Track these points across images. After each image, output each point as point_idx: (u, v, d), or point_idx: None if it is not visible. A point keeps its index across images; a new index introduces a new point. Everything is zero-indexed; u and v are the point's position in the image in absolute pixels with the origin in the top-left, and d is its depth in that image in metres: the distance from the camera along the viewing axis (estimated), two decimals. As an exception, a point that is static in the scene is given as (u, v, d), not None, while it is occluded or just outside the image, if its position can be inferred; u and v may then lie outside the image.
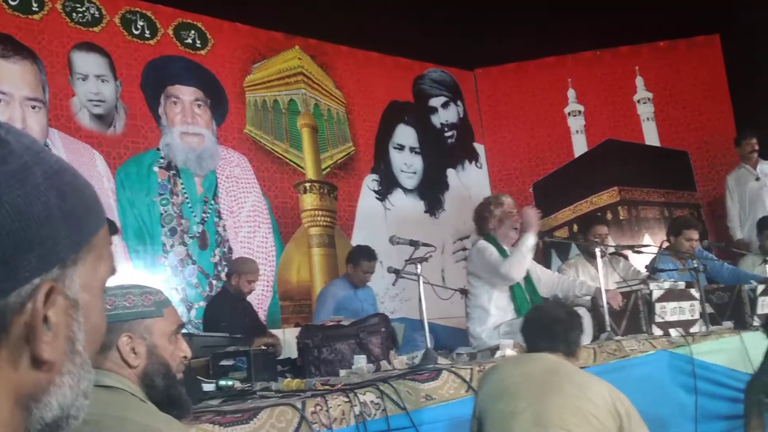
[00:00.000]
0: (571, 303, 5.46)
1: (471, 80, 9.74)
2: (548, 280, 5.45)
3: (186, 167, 7.07)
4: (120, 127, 6.76)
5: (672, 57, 9.45)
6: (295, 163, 7.92)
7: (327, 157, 8.22)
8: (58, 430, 0.79)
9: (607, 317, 5.00)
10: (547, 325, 3.04)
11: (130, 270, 6.40)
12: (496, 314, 5.10)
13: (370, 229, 8.11)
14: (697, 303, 5.40)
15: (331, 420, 3.00)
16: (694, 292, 5.44)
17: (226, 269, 6.91)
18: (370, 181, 8.55)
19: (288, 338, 6.00)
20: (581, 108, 9.49)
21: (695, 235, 6.31)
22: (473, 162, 9.54)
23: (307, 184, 7.96)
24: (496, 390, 2.96)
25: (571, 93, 9.50)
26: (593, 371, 4.04)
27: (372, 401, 3.23)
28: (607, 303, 5.05)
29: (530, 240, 5.02)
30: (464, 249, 8.62)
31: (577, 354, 3.08)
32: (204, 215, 7.11)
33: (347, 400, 3.13)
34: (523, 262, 5.00)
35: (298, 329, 4.98)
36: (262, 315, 7.13)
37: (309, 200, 7.92)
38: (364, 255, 6.44)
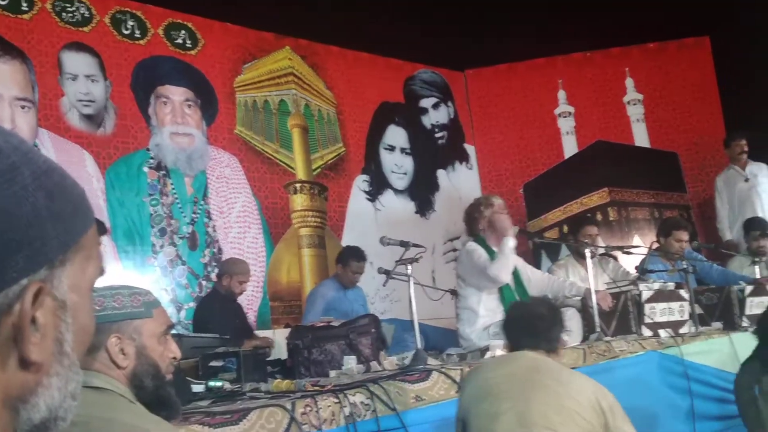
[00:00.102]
0: (561, 303, 5.49)
1: (461, 81, 9.75)
2: (538, 281, 5.46)
3: (176, 167, 7.06)
4: (110, 127, 6.74)
5: (662, 59, 9.47)
6: (285, 163, 7.91)
7: (317, 158, 8.22)
8: (46, 431, 0.79)
9: (596, 318, 5.02)
10: (529, 322, 3.04)
11: (120, 270, 6.38)
12: (485, 315, 5.12)
13: (360, 230, 8.10)
14: (686, 304, 5.42)
15: (321, 421, 3.00)
16: (683, 293, 5.46)
17: (216, 270, 6.90)
18: (361, 182, 8.55)
19: (278, 339, 5.98)
20: (571, 109, 9.51)
21: (685, 236, 6.33)
22: (464, 163, 9.55)
23: (298, 185, 7.95)
24: (479, 391, 2.95)
25: (561, 94, 9.52)
26: (583, 372, 4.04)
27: (362, 402, 3.23)
28: (597, 304, 5.06)
29: (510, 242, 5.13)
30: (454, 250, 8.63)
31: (559, 350, 3.09)
32: (194, 216, 7.10)
33: (337, 401, 3.13)
34: (508, 264, 5.09)
35: (288, 330, 4.97)
36: (252, 315, 7.12)
37: (299, 201, 7.92)
38: (353, 255, 6.44)
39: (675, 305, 5.35)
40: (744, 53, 8.43)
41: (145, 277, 6.57)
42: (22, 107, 6.19)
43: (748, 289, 5.80)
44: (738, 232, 7.70)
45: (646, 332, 5.10)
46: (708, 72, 9.29)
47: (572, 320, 5.22)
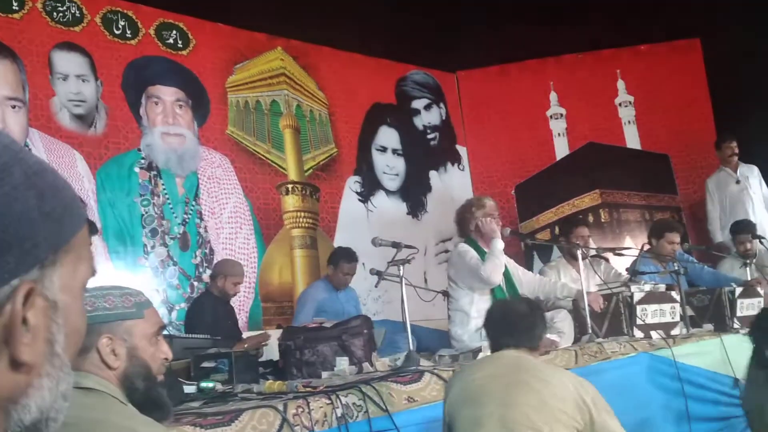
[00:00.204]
0: (552, 304, 5.50)
1: (453, 82, 9.76)
2: (529, 283, 5.47)
3: (167, 168, 7.04)
4: (101, 128, 6.72)
5: (653, 61, 9.50)
6: (277, 164, 7.90)
7: (309, 159, 8.21)
8: None
9: (588, 319, 5.02)
10: (510, 321, 3.04)
11: (111, 271, 6.36)
12: (477, 317, 5.11)
13: (352, 231, 8.10)
14: (677, 306, 5.43)
15: (312, 422, 3.00)
16: (674, 294, 5.47)
17: (207, 271, 6.89)
18: (353, 183, 8.55)
19: (270, 340, 5.97)
20: (563, 111, 9.52)
21: (677, 238, 6.34)
22: (455, 164, 9.56)
23: (289, 186, 7.94)
24: (463, 394, 2.95)
25: (552, 96, 9.54)
26: (575, 373, 4.05)
27: (354, 403, 3.23)
28: (589, 305, 5.08)
29: (499, 244, 5.16)
30: (446, 251, 8.63)
31: (540, 347, 3.10)
32: (185, 216, 7.08)
33: (329, 402, 3.13)
34: (499, 266, 5.11)
35: (280, 331, 4.96)
36: (243, 316, 7.11)
37: (291, 202, 7.91)
38: (344, 256, 6.43)
39: (666, 307, 5.37)
40: (735, 55, 8.46)
41: (137, 277, 6.54)
42: (13, 107, 6.17)
43: (739, 290, 5.82)
44: (729, 234, 7.72)
45: (638, 334, 5.12)
46: (699, 74, 9.31)
47: (564, 322, 5.23)
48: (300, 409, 3.00)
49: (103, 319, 1.86)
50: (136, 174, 6.85)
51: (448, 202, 8.66)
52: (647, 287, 5.36)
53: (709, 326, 5.62)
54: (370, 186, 8.70)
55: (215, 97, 7.54)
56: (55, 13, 6.56)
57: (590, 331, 4.99)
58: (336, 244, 7.81)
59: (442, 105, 9.62)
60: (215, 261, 6.94)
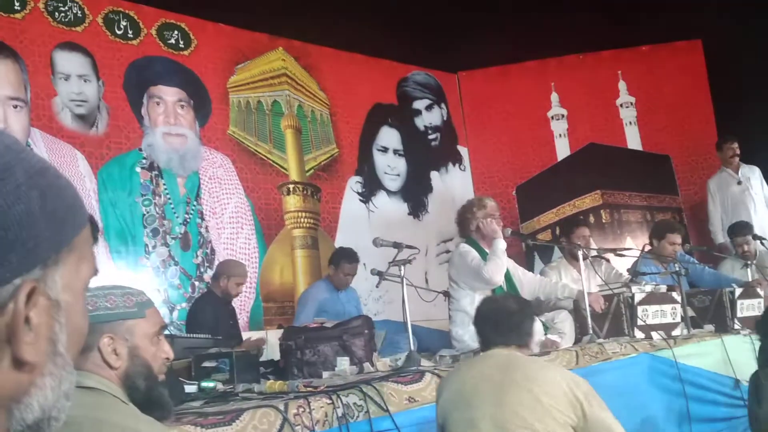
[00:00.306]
0: (554, 305, 5.50)
1: (455, 83, 9.76)
2: (530, 283, 5.47)
3: (168, 168, 7.05)
4: (102, 128, 6.72)
5: (654, 62, 9.50)
6: (278, 164, 7.90)
7: (310, 159, 8.21)
8: (40, 431, 0.79)
9: (589, 320, 5.02)
10: (499, 318, 3.03)
11: (112, 271, 6.37)
12: (478, 317, 5.11)
13: (353, 231, 8.10)
14: (678, 306, 5.43)
15: (313, 422, 3.00)
16: (675, 295, 5.47)
17: (209, 270, 6.90)
18: (354, 183, 8.55)
19: (271, 340, 5.97)
20: (564, 112, 9.52)
21: (678, 239, 6.34)
22: (457, 164, 9.56)
23: (291, 186, 7.95)
24: (455, 396, 2.94)
25: (554, 97, 9.53)
26: (575, 374, 4.05)
27: (355, 403, 3.23)
28: (590, 306, 5.07)
29: (500, 244, 5.17)
30: (447, 251, 8.63)
31: (529, 343, 3.09)
32: (186, 216, 7.08)
33: (330, 402, 3.13)
34: (501, 266, 5.11)
35: (281, 331, 4.96)
36: (244, 316, 7.11)
37: (292, 202, 7.91)
38: (345, 257, 6.43)
39: (667, 308, 5.36)
40: (736, 57, 8.46)
41: (138, 277, 6.55)
42: (15, 107, 6.17)
43: (739, 291, 5.82)
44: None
45: (639, 334, 5.11)
46: (700, 75, 9.31)
47: (565, 322, 5.24)
48: (301, 409, 3.00)
49: (104, 318, 1.86)
50: (138, 174, 6.85)
51: (449, 202, 8.67)
52: (648, 288, 5.35)
53: (710, 327, 5.62)
54: (371, 186, 8.70)
55: (217, 98, 7.55)
56: (56, 13, 6.57)
57: (591, 331, 4.99)
58: (337, 244, 7.81)
59: (443, 105, 9.62)
60: (216, 261, 6.95)
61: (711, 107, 9.23)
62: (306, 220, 7.96)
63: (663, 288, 5.49)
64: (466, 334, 5.11)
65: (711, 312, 5.79)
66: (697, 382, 4.91)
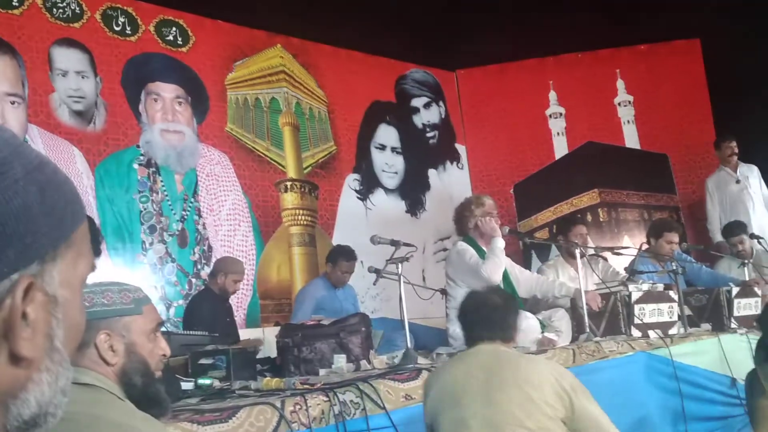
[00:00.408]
0: (551, 303, 5.50)
1: (453, 81, 9.75)
2: (527, 281, 5.48)
3: (166, 165, 7.04)
4: (100, 124, 6.71)
5: (653, 61, 9.50)
6: (276, 161, 7.90)
7: (308, 156, 8.21)
8: (36, 427, 0.79)
9: (586, 318, 5.03)
10: (483, 313, 3.02)
11: (109, 267, 6.36)
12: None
13: (351, 229, 8.10)
14: (675, 305, 5.43)
15: (310, 419, 2.99)
16: (672, 294, 5.47)
17: (206, 268, 6.89)
18: (352, 181, 8.54)
19: (267, 337, 5.97)
20: (562, 110, 9.52)
21: (675, 238, 6.35)
22: (455, 162, 9.56)
23: (288, 183, 7.94)
24: (443, 395, 2.93)
25: (552, 95, 9.54)
26: (572, 372, 4.05)
27: (351, 401, 3.23)
28: (587, 304, 5.08)
29: (499, 243, 5.18)
30: (445, 249, 8.63)
31: (515, 337, 3.08)
32: (184, 213, 7.08)
33: (327, 399, 3.13)
34: (500, 265, 5.13)
35: (278, 328, 4.96)
36: (242, 313, 7.11)
37: (290, 199, 7.91)
38: (343, 255, 6.43)
39: (664, 306, 5.37)
40: (734, 56, 8.46)
41: (135, 274, 6.54)
42: (12, 103, 6.17)
43: (736, 290, 5.82)
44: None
45: (636, 333, 5.12)
46: (698, 74, 9.32)
47: (562, 321, 5.25)
48: (297, 407, 3.00)
49: (101, 315, 1.86)
50: (135, 170, 6.84)
51: (447, 200, 8.68)
52: (645, 286, 5.36)
53: (706, 326, 5.62)
54: (369, 184, 8.70)
55: (214, 95, 7.54)
56: (54, 10, 6.56)
57: (588, 330, 4.99)
58: (335, 241, 7.81)
59: (441, 103, 9.62)
60: (213, 258, 6.94)
61: (709, 106, 9.23)
62: (303, 217, 7.95)
63: (660, 287, 5.49)
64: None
65: (708, 311, 5.80)
66: (693, 381, 4.91)
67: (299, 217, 7.92)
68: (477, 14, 8.52)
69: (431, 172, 9.34)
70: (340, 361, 4.22)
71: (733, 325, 5.62)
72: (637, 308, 5.17)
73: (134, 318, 1.92)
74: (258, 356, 4.84)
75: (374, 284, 4.92)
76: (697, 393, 4.89)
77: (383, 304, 7.79)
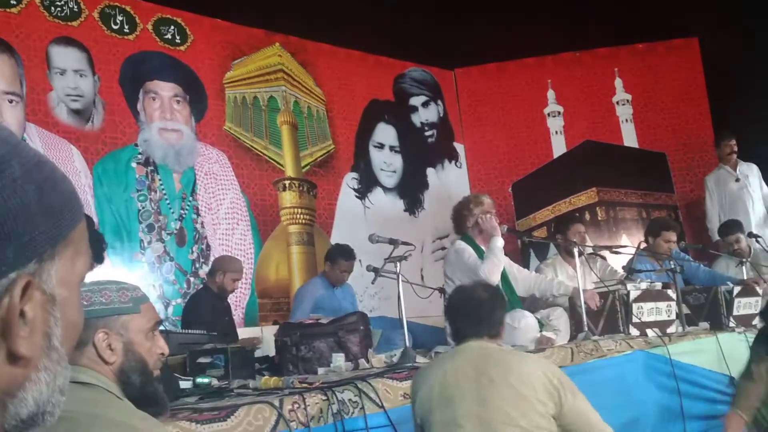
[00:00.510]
0: (550, 302, 5.49)
1: (451, 80, 9.75)
2: (525, 280, 5.47)
3: (164, 163, 7.03)
4: (98, 123, 6.71)
5: (651, 59, 9.51)
6: (274, 160, 7.89)
7: (307, 155, 8.20)
8: (34, 426, 0.79)
9: (584, 317, 5.02)
10: (470, 308, 3.01)
11: (107, 266, 6.35)
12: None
13: (349, 228, 8.10)
14: (673, 304, 5.43)
15: (308, 418, 2.99)
16: (670, 292, 5.48)
17: (204, 266, 6.89)
18: (350, 180, 8.54)
19: (266, 336, 5.97)
20: (560, 109, 9.53)
21: (673, 236, 6.35)
22: (453, 161, 9.56)
23: (287, 182, 7.94)
24: (432, 394, 2.91)
25: (550, 94, 9.54)
26: (571, 371, 4.05)
27: (350, 399, 3.22)
28: (585, 303, 5.07)
29: (498, 242, 5.16)
30: (443, 248, 8.63)
31: (501, 333, 3.06)
32: (182, 212, 7.08)
33: (325, 398, 3.12)
34: (498, 264, 5.11)
35: (276, 327, 4.96)
36: (240, 312, 7.11)
37: (288, 198, 7.90)
38: (342, 254, 6.42)
39: (662, 305, 5.37)
40: (732, 55, 8.46)
41: (133, 273, 6.54)
42: (10, 101, 6.16)
43: (737, 289, 5.82)
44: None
45: (634, 332, 5.11)
46: (697, 73, 9.32)
47: (560, 319, 5.24)
48: (296, 405, 3.00)
49: (99, 313, 1.86)
50: (133, 169, 6.84)
51: (445, 199, 8.66)
52: (643, 285, 5.36)
53: (704, 324, 5.62)
54: (368, 183, 8.70)
55: (213, 93, 7.53)
56: (53, 8, 6.55)
57: (586, 328, 4.99)
58: (333, 240, 7.80)
59: (439, 102, 9.62)
60: (212, 257, 6.94)
61: (707, 105, 9.24)
62: (302, 216, 7.95)
63: (658, 285, 5.49)
64: (461, 331, 5.10)
65: (706, 309, 5.80)
66: (691, 380, 4.91)
67: (298, 216, 7.91)
68: (475, 13, 8.52)
69: (429, 171, 9.34)
70: (339, 359, 4.22)
71: (731, 324, 5.62)
72: (635, 307, 5.17)
73: (132, 317, 1.92)
74: (256, 355, 4.83)
75: (372, 283, 4.91)
76: (695, 391, 4.90)
77: (382, 303, 7.79)
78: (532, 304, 5.62)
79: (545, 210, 9.28)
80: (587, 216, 8.92)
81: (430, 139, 9.48)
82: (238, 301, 7.11)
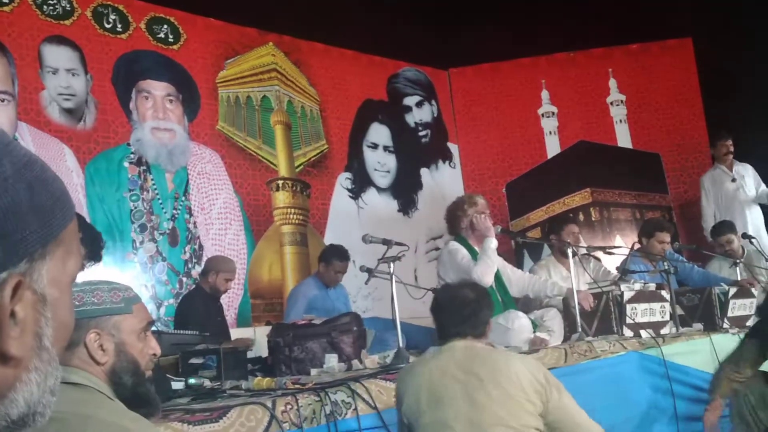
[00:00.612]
0: (545, 302, 5.49)
1: (445, 80, 9.76)
2: (519, 281, 5.47)
3: (157, 163, 7.02)
4: (90, 122, 6.69)
5: (645, 60, 9.53)
6: (267, 160, 7.88)
7: (300, 155, 8.20)
8: (24, 426, 0.78)
9: (578, 318, 5.03)
10: (454, 308, 3.00)
11: (99, 266, 6.32)
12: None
13: (343, 228, 8.09)
14: (667, 305, 5.44)
15: (301, 419, 2.98)
16: (664, 293, 5.48)
17: (197, 267, 6.88)
18: (344, 180, 8.54)
19: (259, 337, 5.96)
20: (554, 109, 9.54)
21: (667, 237, 6.36)
22: (447, 161, 9.56)
23: (280, 182, 7.93)
24: (420, 395, 2.89)
25: (544, 94, 9.55)
26: (564, 372, 4.06)
27: (343, 400, 3.21)
28: (579, 304, 5.07)
29: (492, 243, 5.17)
30: (437, 248, 8.63)
31: (487, 333, 3.05)
32: (174, 212, 7.06)
33: (318, 399, 3.12)
34: (492, 266, 5.12)
35: (269, 328, 4.95)
36: (232, 313, 7.09)
37: (281, 198, 7.89)
38: (337, 255, 6.41)
39: (656, 306, 5.38)
40: (726, 55, 8.48)
41: (125, 273, 6.52)
42: (2, 100, 6.14)
43: (732, 290, 5.83)
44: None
45: (628, 333, 5.12)
46: (691, 73, 9.35)
47: (554, 320, 5.25)
48: (289, 406, 2.99)
49: (91, 314, 1.85)
50: (126, 169, 6.82)
51: (439, 199, 8.66)
52: (637, 286, 5.37)
53: (698, 325, 5.63)
54: (361, 183, 8.69)
55: (206, 93, 7.52)
56: (45, 7, 6.53)
57: (580, 329, 4.99)
58: (326, 240, 7.80)
59: (433, 102, 9.62)
60: (204, 257, 6.93)
61: (701, 105, 9.26)
62: (295, 216, 7.94)
63: (652, 286, 5.50)
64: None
65: (700, 310, 5.81)
66: (685, 381, 4.92)
67: (291, 216, 7.90)
68: (469, 13, 8.53)
69: (423, 171, 9.34)
70: (332, 360, 4.22)
71: (725, 325, 5.63)
72: (629, 308, 5.17)
73: (124, 317, 1.91)
74: (249, 356, 4.82)
75: (366, 284, 4.91)
76: (688, 392, 4.90)
77: (375, 304, 7.78)
78: (526, 304, 5.63)
79: (539, 210, 9.29)
80: (581, 217, 8.93)
81: (424, 139, 9.48)
82: (231, 301, 7.09)
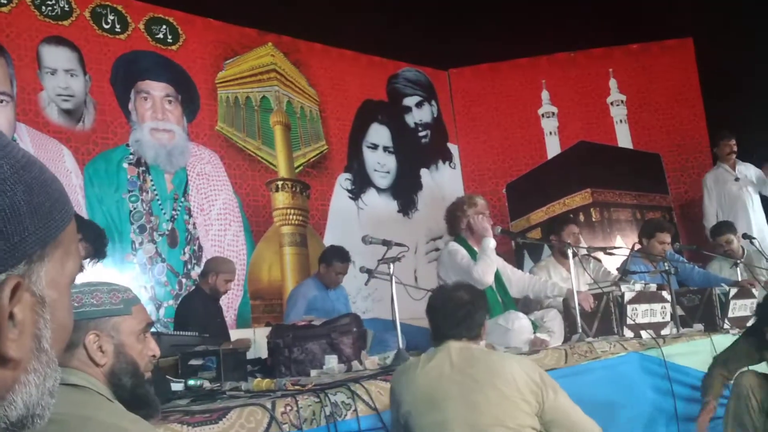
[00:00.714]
0: (546, 303, 5.48)
1: (445, 80, 9.76)
2: (519, 281, 5.47)
3: (156, 164, 7.01)
4: (89, 123, 6.68)
5: (645, 60, 9.53)
6: (267, 161, 7.88)
7: (300, 156, 8.19)
8: (23, 429, 0.78)
9: (578, 319, 5.02)
10: (449, 310, 2.99)
11: (98, 267, 6.32)
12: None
13: (342, 229, 8.09)
14: (668, 305, 5.43)
15: (301, 420, 2.98)
16: (665, 294, 5.47)
17: (196, 268, 6.87)
18: (343, 180, 8.53)
19: (258, 338, 5.95)
20: (555, 109, 9.54)
21: (668, 238, 6.35)
22: (447, 162, 9.56)
23: (279, 183, 7.92)
24: (417, 397, 2.89)
25: (544, 94, 9.55)
26: (565, 373, 4.05)
27: (343, 402, 3.21)
28: (579, 304, 5.07)
29: (490, 243, 5.17)
30: (437, 249, 8.63)
31: (482, 335, 3.04)
32: (174, 213, 7.05)
33: (318, 400, 3.11)
34: (491, 265, 5.12)
35: (269, 329, 4.94)
36: (232, 314, 7.09)
37: (281, 199, 7.89)
38: (337, 256, 6.40)
39: (657, 306, 5.37)
40: (727, 55, 8.48)
41: (124, 274, 6.52)
42: (0, 101, 6.13)
43: (733, 291, 5.82)
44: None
45: (628, 333, 5.11)
46: (691, 74, 9.35)
47: (554, 321, 5.24)
48: (288, 408, 2.98)
49: (90, 315, 1.85)
50: (125, 170, 6.82)
51: (439, 200, 8.66)
52: (638, 287, 5.36)
53: (699, 326, 5.62)
54: (361, 183, 8.69)
55: (205, 93, 7.52)
56: (43, 7, 6.52)
57: (580, 330, 4.98)
58: (326, 241, 7.79)
59: (433, 102, 9.62)
60: (204, 258, 6.92)
61: (702, 106, 9.27)
62: (295, 217, 7.94)
63: (652, 287, 5.49)
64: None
65: (700, 311, 5.80)
66: (685, 381, 4.91)
67: (290, 217, 7.90)
68: (469, 13, 8.52)
69: (423, 172, 9.34)
70: (332, 361, 4.21)
71: (725, 326, 5.63)
72: (629, 308, 5.16)
73: (124, 318, 1.91)
74: (248, 357, 4.82)
75: (366, 284, 4.90)
76: (689, 393, 4.88)
77: (375, 305, 7.77)
78: (526, 305, 5.62)
79: (539, 211, 9.28)
80: (581, 217, 8.93)
81: (423, 140, 9.48)
82: (231, 302, 7.09)
